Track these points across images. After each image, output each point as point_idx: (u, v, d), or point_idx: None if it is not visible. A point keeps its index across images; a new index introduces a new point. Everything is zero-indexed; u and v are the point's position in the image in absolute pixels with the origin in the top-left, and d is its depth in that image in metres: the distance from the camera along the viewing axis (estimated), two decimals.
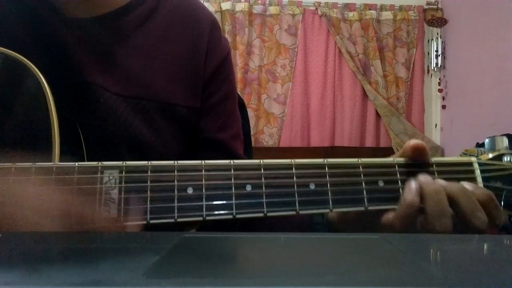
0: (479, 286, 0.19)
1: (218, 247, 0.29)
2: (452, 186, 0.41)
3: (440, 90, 2.81)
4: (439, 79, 2.82)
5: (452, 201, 0.40)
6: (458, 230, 0.41)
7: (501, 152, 0.45)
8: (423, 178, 0.41)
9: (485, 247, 0.32)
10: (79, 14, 0.53)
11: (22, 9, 0.52)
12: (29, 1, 0.52)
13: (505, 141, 0.46)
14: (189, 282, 0.19)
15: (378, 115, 2.81)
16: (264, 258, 0.26)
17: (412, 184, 0.41)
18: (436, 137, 2.86)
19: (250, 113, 2.61)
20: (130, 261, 0.23)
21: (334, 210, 0.41)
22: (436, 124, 2.87)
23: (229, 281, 0.20)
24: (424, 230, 0.40)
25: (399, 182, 0.43)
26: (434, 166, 0.44)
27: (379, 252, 0.28)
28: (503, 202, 0.43)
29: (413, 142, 0.43)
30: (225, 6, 2.68)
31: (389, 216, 0.42)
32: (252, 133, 2.62)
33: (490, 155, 0.46)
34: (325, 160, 0.42)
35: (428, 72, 2.87)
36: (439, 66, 2.79)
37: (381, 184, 0.42)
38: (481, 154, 0.46)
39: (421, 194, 0.41)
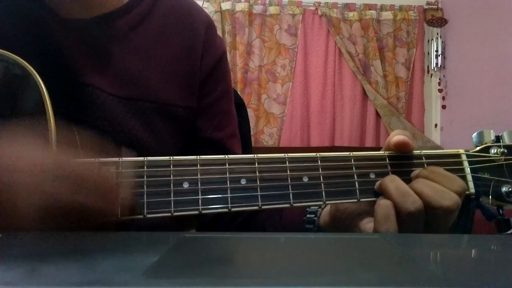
0: (479, 286, 0.19)
1: (218, 247, 0.29)
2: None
3: (440, 90, 2.80)
4: (439, 79, 2.81)
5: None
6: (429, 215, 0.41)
7: (488, 144, 0.46)
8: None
9: (485, 247, 0.32)
10: (76, 15, 0.53)
11: (18, 10, 0.52)
12: (25, 3, 0.52)
13: (492, 134, 0.47)
14: (188, 282, 0.19)
15: (378, 115, 2.80)
16: (264, 258, 0.26)
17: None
18: (436, 137, 2.86)
19: (250, 113, 2.61)
20: (130, 261, 0.23)
21: (327, 202, 0.42)
22: (436, 124, 2.87)
23: (228, 281, 0.20)
24: (402, 221, 0.40)
25: (390, 174, 0.44)
26: (423, 158, 0.45)
27: (379, 252, 0.28)
28: (492, 193, 0.44)
29: (395, 138, 0.44)
30: (225, 6, 2.68)
31: (367, 226, 0.44)
32: (252, 133, 2.61)
33: (478, 148, 0.47)
34: (318, 154, 0.43)
35: (428, 72, 2.87)
36: (439, 66, 2.79)
37: (372, 176, 0.43)
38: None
39: (384, 191, 0.42)
